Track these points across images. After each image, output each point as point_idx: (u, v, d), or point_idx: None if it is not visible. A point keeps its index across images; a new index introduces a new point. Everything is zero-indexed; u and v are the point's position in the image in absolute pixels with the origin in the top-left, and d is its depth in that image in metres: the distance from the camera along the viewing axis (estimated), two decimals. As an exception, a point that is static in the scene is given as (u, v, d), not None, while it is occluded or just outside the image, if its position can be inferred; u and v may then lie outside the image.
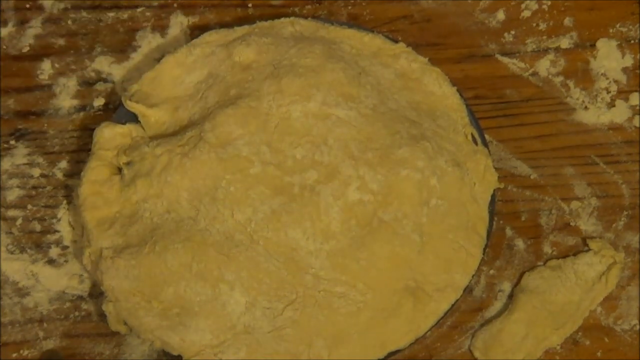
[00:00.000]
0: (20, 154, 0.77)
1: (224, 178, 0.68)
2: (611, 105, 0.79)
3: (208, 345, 0.66)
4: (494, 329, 0.71)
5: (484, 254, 0.71)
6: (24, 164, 0.77)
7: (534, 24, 0.82)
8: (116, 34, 0.80)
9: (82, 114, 0.78)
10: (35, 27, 0.80)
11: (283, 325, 0.66)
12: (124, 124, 0.72)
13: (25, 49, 0.80)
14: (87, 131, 0.77)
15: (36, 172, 0.76)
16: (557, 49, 0.81)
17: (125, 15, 0.81)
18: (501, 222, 0.75)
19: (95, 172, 0.71)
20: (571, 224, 0.76)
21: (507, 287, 0.74)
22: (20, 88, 0.79)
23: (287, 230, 0.67)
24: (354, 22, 0.81)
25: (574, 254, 0.74)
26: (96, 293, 0.72)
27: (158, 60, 0.76)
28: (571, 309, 0.71)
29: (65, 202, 0.76)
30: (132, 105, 0.72)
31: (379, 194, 0.68)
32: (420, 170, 0.69)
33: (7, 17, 0.81)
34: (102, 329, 0.71)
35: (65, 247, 0.74)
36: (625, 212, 0.76)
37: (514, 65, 0.81)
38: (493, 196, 0.73)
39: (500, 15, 0.82)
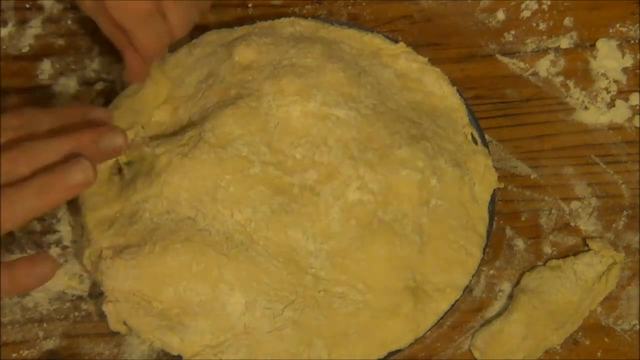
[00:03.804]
0: (20, 154, 0.77)
1: (224, 178, 0.68)
2: (611, 105, 0.79)
3: (208, 345, 0.66)
4: (494, 329, 0.71)
5: (484, 254, 0.71)
6: (24, 164, 0.76)
7: (534, 24, 0.82)
8: (116, 34, 0.80)
9: (82, 114, 0.78)
10: (35, 27, 0.80)
11: (283, 326, 0.66)
12: (123, 124, 0.72)
13: (25, 49, 0.80)
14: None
15: (36, 172, 0.76)
16: (557, 49, 0.81)
17: (125, 15, 0.81)
18: (501, 222, 0.75)
19: (95, 172, 0.71)
20: (571, 224, 0.75)
21: (507, 287, 0.73)
22: (20, 88, 0.79)
23: (287, 230, 0.67)
24: (354, 22, 0.81)
25: (574, 254, 0.74)
26: (96, 293, 0.72)
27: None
28: (571, 309, 0.71)
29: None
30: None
31: (379, 194, 0.68)
32: (420, 170, 0.69)
33: (7, 17, 0.81)
34: (102, 329, 0.71)
35: (65, 247, 0.74)
36: (625, 212, 0.76)
37: (514, 65, 0.81)
38: (493, 196, 0.73)
39: (500, 15, 0.82)
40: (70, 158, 0.63)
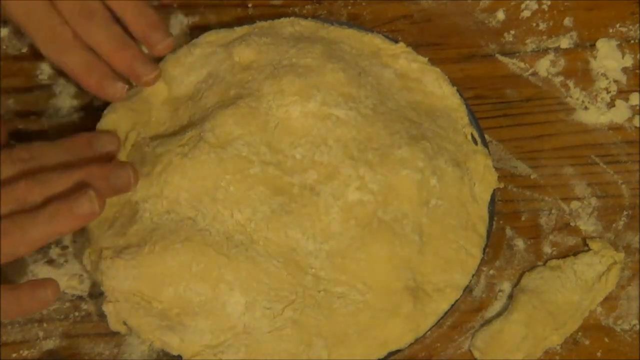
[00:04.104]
0: (20, 154, 0.77)
1: (224, 178, 0.68)
2: (611, 105, 0.79)
3: (208, 345, 0.66)
4: (493, 329, 0.71)
5: (484, 254, 0.71)
6: (24, 164, 0.76)
7: (534, 24, 0.82)
8: (116, 34, 0.80)
9: (82, 114, 0.78)
10: (35, 27, 0.80)
11: (283, 326, 0.66)
12: (123, 124, 0.73)
13: (25, 49, 0.80)
14: (87, 131, 0.77)
15: (36, 172, 0.76)
16: (557, 49, 0.81)
17: (125, 15, 0.81)
18: (501, 222, 0.75)
19: (95, 172, 0.71)
20: (571, 224, 0.75)
21: (507, 287, 0.73)
22: (20, 88, 0.79)
23: (287, 230, 0.67)
24: (354, 22, 0.81)
25: (574, 254, 0.74)
26: (96, 293, 0.72)
27: (158, 60, 0.76)
28: (571, 309, 0.71)
29: (65, 202, 0.75)
30: None
31: (378, 194, 0.68)
32: (420, 170, 0.69)
33: (7, 17, 0.81)
34: (102, 329, 0.71)
35: (65, 247, 0.74)
36: (625, 212, 0.76)
37: (514, 65, 0.81)
38: (493, 196, 0.73)
39: (500, 15, 0.82)
40: (79, 189, 0.65)
